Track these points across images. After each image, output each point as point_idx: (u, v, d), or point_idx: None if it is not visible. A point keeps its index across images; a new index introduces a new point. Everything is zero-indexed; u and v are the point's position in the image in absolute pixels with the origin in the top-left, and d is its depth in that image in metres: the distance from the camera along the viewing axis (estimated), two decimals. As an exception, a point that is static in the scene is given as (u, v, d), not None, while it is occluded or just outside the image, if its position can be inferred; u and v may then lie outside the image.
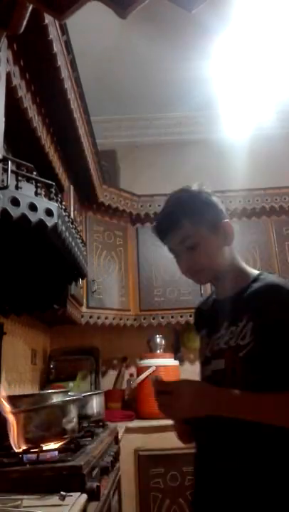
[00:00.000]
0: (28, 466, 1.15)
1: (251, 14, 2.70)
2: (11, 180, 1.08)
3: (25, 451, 1.25)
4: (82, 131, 2.15)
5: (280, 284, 1.03)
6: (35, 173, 1.23)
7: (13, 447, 1.28)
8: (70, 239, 1.46)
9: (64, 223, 1.33)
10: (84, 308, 2.76)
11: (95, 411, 2.20)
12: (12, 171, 1.09)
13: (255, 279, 1.09)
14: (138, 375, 2.90)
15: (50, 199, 1.25)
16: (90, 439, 1.51)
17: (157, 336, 3.11)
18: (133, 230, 3.24)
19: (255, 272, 1.15)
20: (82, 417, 1.99)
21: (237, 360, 1.02)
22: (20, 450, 1.27)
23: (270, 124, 3.68)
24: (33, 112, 1.58)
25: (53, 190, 1.30)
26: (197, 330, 1.30)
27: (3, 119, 1.10)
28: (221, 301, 1.17)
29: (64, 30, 1.62)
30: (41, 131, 1.71)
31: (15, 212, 1.08)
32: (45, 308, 1.87)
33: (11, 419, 1.30)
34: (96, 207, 3.02)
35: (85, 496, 1.03)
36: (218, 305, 1.19)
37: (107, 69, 3.19)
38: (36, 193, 1.18)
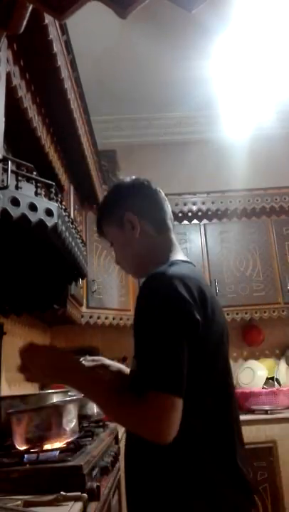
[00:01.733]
0: (28, 466, 1.15)
1: (251, 14, 2.70)
2: (11, 180, 1.08)
3: (25, 451, 1.25)
4: (82, 131, 2.15)
5: (157, 273, 0.91)
6: (35, 173, 1.23)
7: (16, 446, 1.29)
8: (70, 239, 1.46)
9: (64, 223, 1.33)
10: (84, 308, 2.76)
11: (95, 411, 2.19)
12: (12, 171, 1.09)
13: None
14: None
15: (50, 199, 1.26)
16: (90, 439, 1.51)
17: (157, 335, 3.11)
18: (133, 230, 3.24)
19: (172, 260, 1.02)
20: (82, 417, 1.98)
21: (135, 360, 0.98)
22: (21, 450, 1.27)
23: (270, 124, 3.68)
24: (33, 112, 1.58)
25: (53, 190, 1.30)
26: None
27: (3, 119, 1.10)
28: None
29: (64, 30, 1.62)
30: (41, 131, 1.71)
31: (15, 212, 1.08)
32: (45, 308, 1.88)
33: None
34: (96, 207, 3.02)
35: (85, 496, 1.03)
36: None
37: (107, 69, 3.19)
38: (36, 193, 1.18)
